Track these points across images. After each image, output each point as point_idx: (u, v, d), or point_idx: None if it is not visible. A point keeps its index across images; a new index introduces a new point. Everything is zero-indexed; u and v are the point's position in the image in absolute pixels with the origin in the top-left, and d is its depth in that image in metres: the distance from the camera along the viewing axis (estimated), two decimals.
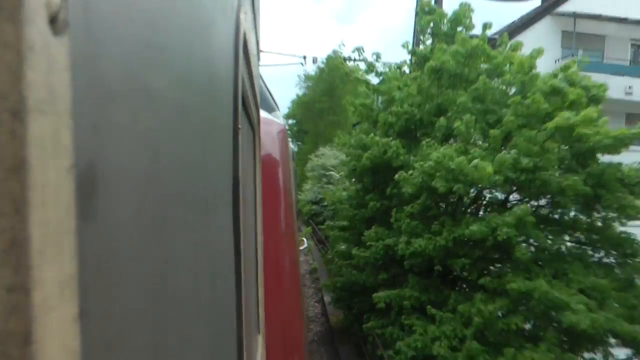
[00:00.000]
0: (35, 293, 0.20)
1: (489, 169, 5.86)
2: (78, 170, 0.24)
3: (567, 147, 6.57)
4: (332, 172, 27.15)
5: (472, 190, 6.79)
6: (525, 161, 6.08)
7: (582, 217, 6.84)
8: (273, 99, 2.88)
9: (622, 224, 6.60)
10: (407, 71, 9.96)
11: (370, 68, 9.80)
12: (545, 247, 6.44)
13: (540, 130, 6.28)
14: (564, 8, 18.72)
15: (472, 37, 8.05)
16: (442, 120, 7.47)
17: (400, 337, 6.52)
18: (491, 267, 6.84)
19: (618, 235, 6.57)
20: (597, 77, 8.34)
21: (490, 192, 7.33)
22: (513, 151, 6.35)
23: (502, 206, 7.12)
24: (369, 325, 7.46)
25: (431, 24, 9.03)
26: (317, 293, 14.90)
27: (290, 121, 54.55)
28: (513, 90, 7.52)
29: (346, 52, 42.17)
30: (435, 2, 9.97)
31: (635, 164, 6.52)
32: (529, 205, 6.66)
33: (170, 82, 0.44)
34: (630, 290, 6.11)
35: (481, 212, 7.53)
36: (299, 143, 53.84)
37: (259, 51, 1.87)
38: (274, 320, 2.26)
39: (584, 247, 6.86)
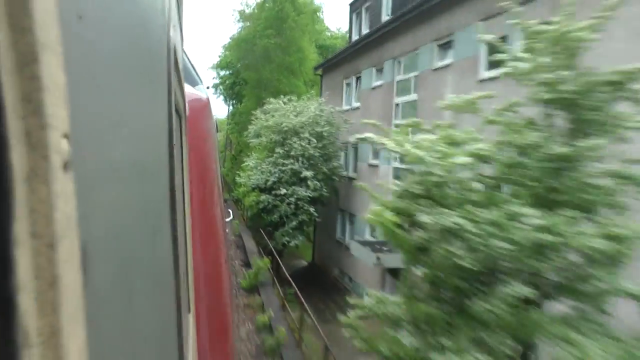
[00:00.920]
0: None
1: None
2: None
3: None
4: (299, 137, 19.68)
5: None
6: None
7: None
8: (196, 72, 2.81)
9: None
10: None
11: None
12: None
13: None
14: None
15: None
16: None
17: None
18: None
19: None
20: None
21: None
22: None
23: None
24: None
25: None
26: None
27: (222, 72, 43.71)
28: None
29: None
30: None
31: None
32: None
33: (110, 94, 0.45)
34: None
35: None
36: (234, 102, 43.72)
37: (182, 33, 1.82)
38: (203, 299, 2.28)
39: None
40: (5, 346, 0.28)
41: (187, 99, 2.18)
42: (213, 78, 47.81)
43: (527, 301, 5.12)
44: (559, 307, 5.44)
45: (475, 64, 12.22)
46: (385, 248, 13.35)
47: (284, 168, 20.34)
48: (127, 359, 0.48)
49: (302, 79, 32.14)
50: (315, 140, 20.25)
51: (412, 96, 16.04)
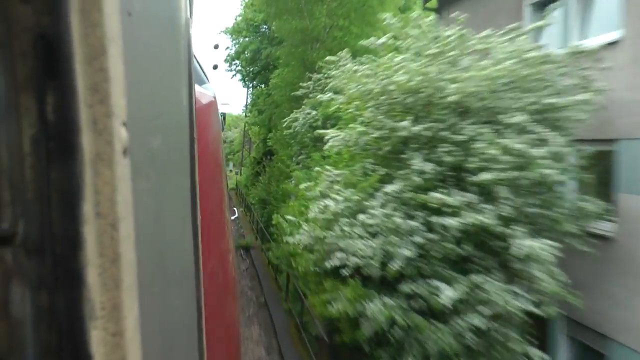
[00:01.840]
0: None
1: None
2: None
3: None
4: None
5: None
6: None
7: None
8: (203, 70, 2.83)
9: None
10: None
11: None
12: None
13: None
14: None
15: None
16: None
17: None
18: None
19: None
20: None
21: None
22: None
23: None
24: None
25: None
26: None
27: (233, 48, 31.66)
28: None
29: None
30: None
31: None
32: None
33: (147, 78, 0.47)
34: None
35: None
36: (255, 82, 31.57)
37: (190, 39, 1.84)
38: (210, 296, 2.30)
39: None
40: (73, 318, 0.30)
41: (196, 100, 2.20)
42: (226, 48, 33.86)
43: None
44: None
45: None
46: None
47: (435, 220, 5.92)
48: (165, 335, 0.50)
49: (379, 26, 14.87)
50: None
51: None
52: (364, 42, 7.95)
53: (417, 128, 6.38)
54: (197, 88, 2.60)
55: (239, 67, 33.49)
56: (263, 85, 29.45)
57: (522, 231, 5.54)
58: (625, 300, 6.82)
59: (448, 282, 5.66)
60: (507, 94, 6.25)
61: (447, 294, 5.40)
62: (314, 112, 14.24)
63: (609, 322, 7.06)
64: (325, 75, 12.24)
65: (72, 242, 0.30)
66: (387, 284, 6.23)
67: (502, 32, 6.84)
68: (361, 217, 6.35)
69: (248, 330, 12.73)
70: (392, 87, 6.60)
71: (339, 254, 6.38)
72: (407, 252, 5.81)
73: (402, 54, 7.28)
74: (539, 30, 7.66)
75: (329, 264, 6.56)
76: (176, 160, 0.67)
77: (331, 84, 9.20)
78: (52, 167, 0.29)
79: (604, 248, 6.92)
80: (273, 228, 12.04)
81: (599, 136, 7.15)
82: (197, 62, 3.07)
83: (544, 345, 7.39)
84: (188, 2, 1.14)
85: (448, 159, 6.09)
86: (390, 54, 7.39)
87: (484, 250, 6.00)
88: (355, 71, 7.52)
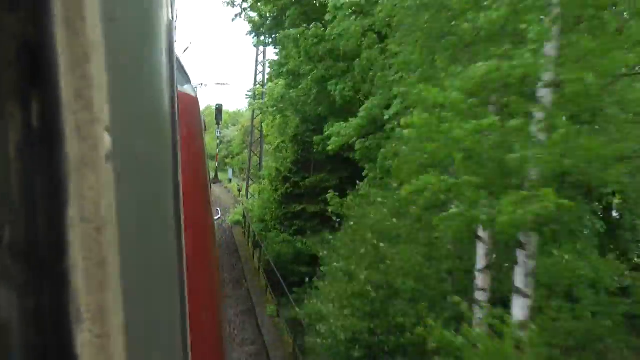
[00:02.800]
0: None
1: None
2: None
3: None
4: None
5: None
6: None
7: None
8: (184, 70, 2.82)
9: None
10: None
11: None
12: None
13: None
14: None
15: None
16: None
17: None
18: None
19: None
20: None
21: None
22: None
23: None
24: None
25: None
26: None
27: None
28: None
29: None
30: None
31: None
32: None
33: (129, 83, 0.48)
34: None
35: None
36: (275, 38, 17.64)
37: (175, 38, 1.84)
38: (194, 298, 2.30)
39: None
40: (59, 321, 0.31)
41: (179, 100, 2.19)
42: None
43: None
44: None
45: None
46: None
47: None
48: (149, 337, 0.51)
49: None
50: None
51: None
52: None
53: None
54: (178, 88, 2.60)
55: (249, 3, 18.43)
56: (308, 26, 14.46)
57: None
58: None
59: None
60: None
61: None
62: None
63: None
64: None
65: (58, 246, 0.31)
66: None
67: None
68: None
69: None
70: None
71: None
72: None
73: None
74: None
75: None
76: (159, 163, 0.68)
77: None
78: (37, 173, 0.30)
79: None
80: None
81: None
82: (180, 63, 3.06)
83: None
84: (170, 4, 1.14)
85: None
86: None
87: None
88: None
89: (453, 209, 5.68)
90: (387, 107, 10.14)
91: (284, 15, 16.75)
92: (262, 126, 30.22)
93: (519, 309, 6.17)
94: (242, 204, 26.92)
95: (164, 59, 0.81)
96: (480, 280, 7.46)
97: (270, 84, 23.66)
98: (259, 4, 18.00)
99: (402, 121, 6.44)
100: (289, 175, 16.74)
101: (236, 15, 19.47)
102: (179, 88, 2.67)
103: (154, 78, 0.69)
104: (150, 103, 0.63)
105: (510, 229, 5.27)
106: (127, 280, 0.40)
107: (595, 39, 5.13)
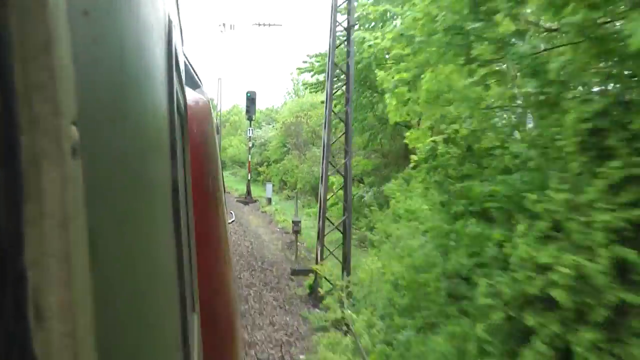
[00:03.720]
0: None
1: None
2: None
3: None
4: None
5: None
6: None
7: None
8: (196, 74, 2.84)
9: None
10: None
11: None
12: None
13: None
14: None
15: None
16: None
17: None
18: None
19: None
20: None
21: None
22: None
23: None
24: None
25: None
26: None
27: None
28: None
29: None
30: None
31: None
32: None
33: (113, 89, 0.48)
34: None
35: None
36: None
37: (182, 37, 1.85)
38: (206, 298, 2.30)
39: None
40: (19, 320, 0.30)
41: (190, 103, 2.20)
42: None
43: None
44: None
45: None
46: None
47: None
48: (133, 339, 0.50)
49: None
50: None
51: None
52: None
53: None
54: (190, 92, 2.62)
55: None
56: None
57: None
58: None
59: None
60: None
61: None
62: None
63: None
64: None
65: (16, 242, 0.30)
66: None
67: None
68: None
69: None
70: None
71: None
72: None
73: None
74: None
75: None
76: (151, 165, 0.67)
77: None
78: None
79: None
80: None
81: None
82: (191, 67, 3.09)
83: None
84: (171, 6, 1.14)
85: None
86: None
87: None
88: None
89: None
90: None
91: None
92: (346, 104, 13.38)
93: None
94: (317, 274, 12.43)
95: (159, 58, 0.80)
96: None
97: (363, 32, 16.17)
98: None
99: None
100: None
101: None
102: (191, 91, 2.69)
103: (145, 76, 0.68)
104: (140, 101, 0.63)
105: None
106: (102, 277, 0.39)
107: None
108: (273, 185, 27.95)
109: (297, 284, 13.00)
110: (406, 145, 10.57)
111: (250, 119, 28.17)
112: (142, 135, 0.60)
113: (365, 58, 16.18)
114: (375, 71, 12.23)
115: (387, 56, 14.38)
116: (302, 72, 23.79)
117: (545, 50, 5.64)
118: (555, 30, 5.66)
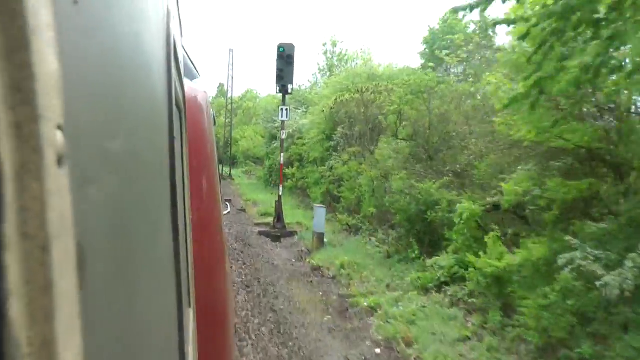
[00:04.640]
0: None
1: None
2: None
3: None
4: None
5: None
6: None
7: None
8: (194, 65, 2.78)
9: None
10: None
11: None
12: None
13: None
14: None
15: None
16: None
17: None
18: None
19: None
20: None
21: None
22: None
23: None
24: None
25: None
26: None
27: None
28: None
29: None
30: None
31: None
32: None
33: (107, 84, 0.43)
34: None
35: None
36: None
37: (181, 30, 1.80)
38: (202, 293, 2.27)
39: None
40: None
41: (188, 94, 2.15)
42: None
43: None
44: None
45: None
46: None
47: None
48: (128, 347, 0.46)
49: None
50: None
51: None
52: None
53: None
54: (187, 83, 2.56)
55: None
56: None
57: None
58: None
59: None
60: None
61: None
62: None
63: None
64: None
65: None
66: None
67: None
68: None
69: None
70: None
71: None
72: None
73: None
74: None
75: None
76: (149, 162, 0.63)
77: None
78: None
79: None
80: None
81: None
82: (189, 58, 3.03)
83: None
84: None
85: None
86: None
87: None
88: None
89: None
90: None
91: None
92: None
93: None
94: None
95: (158, 52, 0.75)
96: None
97: None
98: None
99: None
100: None
101: None
102: (188, 83, 2.63)
103: (142, 71, 0.63)
104: (137, 98, 0.58)
105: None
106: (90, 303, 0.35)
107: None
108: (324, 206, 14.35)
109: None
110: None
111: (285, 91, 14.70)
112: (139, 134, 0.55)
113: None
114: None
115: None
116: None
117: None
118: None
